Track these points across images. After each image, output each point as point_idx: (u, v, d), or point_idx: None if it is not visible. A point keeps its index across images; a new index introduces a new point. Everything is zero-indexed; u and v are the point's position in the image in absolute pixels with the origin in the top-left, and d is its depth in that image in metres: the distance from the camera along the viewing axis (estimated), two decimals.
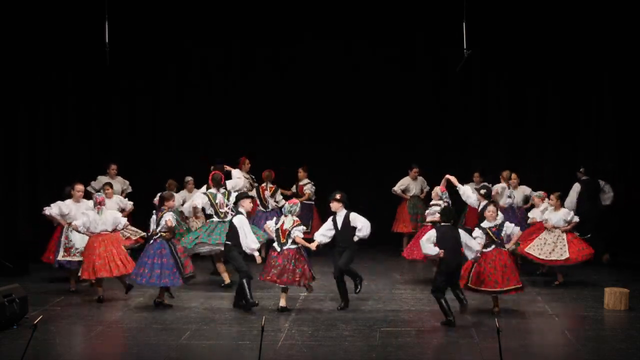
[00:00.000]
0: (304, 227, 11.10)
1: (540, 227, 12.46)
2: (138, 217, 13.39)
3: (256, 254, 10.71)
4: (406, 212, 15.02)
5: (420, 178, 15.26)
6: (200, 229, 12.45)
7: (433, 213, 12.11)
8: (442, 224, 10.25)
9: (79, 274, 11.36)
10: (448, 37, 14.25)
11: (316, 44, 15.67)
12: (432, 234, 10.08)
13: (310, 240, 10.95)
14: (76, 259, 11.75)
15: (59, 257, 11.88)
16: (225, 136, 15.95)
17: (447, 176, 12.04)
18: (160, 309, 10.83)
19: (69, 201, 12.02)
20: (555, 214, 12.29)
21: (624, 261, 14.03)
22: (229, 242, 10.93)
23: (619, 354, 8.85)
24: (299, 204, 11.07)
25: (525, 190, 14.23)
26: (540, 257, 12.23)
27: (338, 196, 10.78)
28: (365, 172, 16.18)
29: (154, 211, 11.23)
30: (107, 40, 12.71)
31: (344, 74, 15.86)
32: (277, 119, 15.96)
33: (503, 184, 14.09)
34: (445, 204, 11.70)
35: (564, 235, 12.19)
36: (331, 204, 10.85)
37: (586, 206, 13.88)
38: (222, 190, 12.30)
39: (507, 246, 10.65)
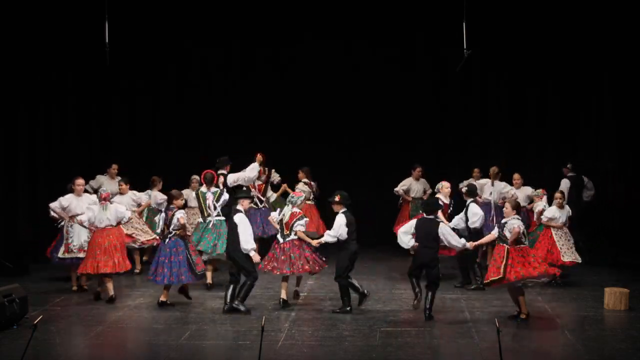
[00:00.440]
0: (307, 219, 11.23)
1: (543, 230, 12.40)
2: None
3: (252, 253, 10.68)
4: (407, 215, 14.91)
5: (422, 179, 15.22)
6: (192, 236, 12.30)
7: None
8: (425, 216, 10.42)
9: (79, 271, 11.38)
10: (448, 37, 14.26)
11: (316, 44, 15.68)
12: (411, 224, 10.38)
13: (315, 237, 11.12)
14: (74, 255, 11.75)
15: (60, 254, 11.89)
16: (225, 136, 15.94)
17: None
18: (160, 309, 10.82)
19: (69, 195, 11.99)
20: (562, 213, 12.30)
21: (624, 261, 14.01)
22: (232, 242, 10.77)
23: (619, 354, 8.85)
24: (303, 196, 11.23)
25: (527, 190, 14.20)
26: (577, 261, 12.18)
27: (337, 198, 10.80)
28: (366, 172, 16.17)
29: (164, 210, 11.23)
30: (107, 40, 12.72)
31: (344, 74, 15.88)
32: (277, 119, 15.97)
33: (486, 180, 14.04)
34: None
35: (570, 234, 12.23)
36: (332, 207, 10.91)
37: (572, 202, 13.87)
38: (212, 189, 12.08)
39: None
